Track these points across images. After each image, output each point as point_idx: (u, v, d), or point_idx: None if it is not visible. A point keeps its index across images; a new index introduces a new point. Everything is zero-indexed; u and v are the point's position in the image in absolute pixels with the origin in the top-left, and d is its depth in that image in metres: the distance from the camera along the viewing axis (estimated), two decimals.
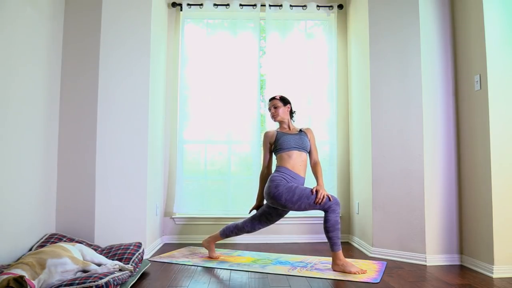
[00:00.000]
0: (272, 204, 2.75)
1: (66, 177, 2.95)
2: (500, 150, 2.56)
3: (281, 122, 3.01)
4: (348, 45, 3.95)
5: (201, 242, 3.65)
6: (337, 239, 2.57)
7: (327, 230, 2.57)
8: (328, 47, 3.98)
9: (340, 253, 2.59)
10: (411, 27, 3.03)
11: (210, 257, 3.01)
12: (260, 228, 2.92)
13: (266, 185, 2.80)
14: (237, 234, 2.96)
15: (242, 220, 2.97)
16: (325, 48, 3.99)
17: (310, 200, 2.60)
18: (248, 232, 2.93)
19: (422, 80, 2.97)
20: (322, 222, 2.64)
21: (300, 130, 2.97)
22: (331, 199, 2.59)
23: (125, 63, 3.06)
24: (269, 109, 3.03)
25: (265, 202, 2.95)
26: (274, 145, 2.92)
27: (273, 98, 3.03)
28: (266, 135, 2.98)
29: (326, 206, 2.58)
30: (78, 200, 2.94)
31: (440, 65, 2.99)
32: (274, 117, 3.00)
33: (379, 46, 3.19)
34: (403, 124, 3.03)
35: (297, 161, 2.81)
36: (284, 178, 2.74)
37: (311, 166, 2.92)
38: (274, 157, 2.99)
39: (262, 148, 3.04)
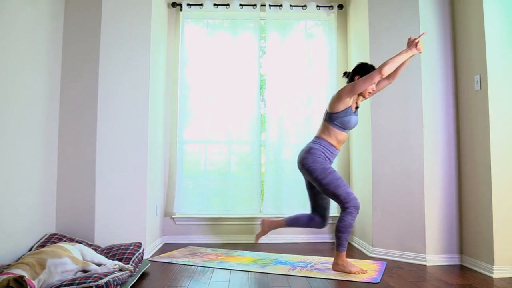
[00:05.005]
0: (302, 172, 2.65)
1: (66, 177, 2.95)
2: (500, 150, 2.55)
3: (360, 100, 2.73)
4: (348, 45, 3.95)
5: (201, 242, 3.67)
6: (345, 240, 2.54)
7: (339, 230, 2.53)
8: (328, 47, 3.97)
9: (344, 254, 2.58)
10: (411, 27, 3.02)
11: (259, 235, 2.91)
12: (318, 218, 2.75)
13: (303, 154, 2.63)
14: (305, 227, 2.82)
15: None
16: (325, 48, 3.99)
17: (335, 190, 2.52)
18: (313, 226, 2.77)
19: (422, 80, 2.97)
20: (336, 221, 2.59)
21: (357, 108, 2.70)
22: (350, 201, 2.52)
23: (125, 63, 3.06)
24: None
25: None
26: (339, 115, 2.59)
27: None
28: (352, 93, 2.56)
29: (346, 204, 2.52)
30: (78, 200, 2.94)
31: (440, 65, 2.99)
32: (370, 94, 2.65)
33: (379, 46, 3.19)
34: (403, 124, 3.03)
35: (342, 139, 2.67)
36: (323, 153, 2.59)
37: (384, 79, 2.64)
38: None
39: (346, 98, 2.55)
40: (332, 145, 2.62)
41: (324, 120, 2.67)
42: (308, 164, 2.58)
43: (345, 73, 2.78)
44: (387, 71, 2.44)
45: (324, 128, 2.65)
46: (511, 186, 2.54)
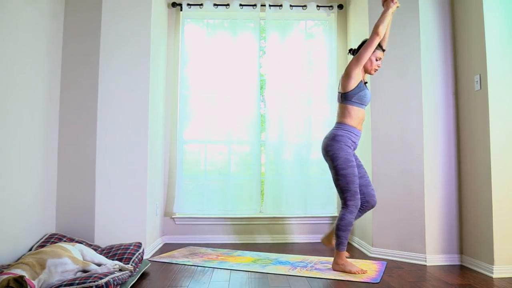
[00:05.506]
0: (325, 160, 2.64)
1: (66, 177, 2.95)
2: (500, 150, 2.55)
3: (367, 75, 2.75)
4: (348, 45, 3.94)
5: (201, 242, 3.67)
6: (345, 239, 2.55)
7: (339, 229, 2.54)
8: (328, 47, 3.97)
9: (343, 253, 2.58)
10: (411, 27, 3.02)
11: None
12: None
13: (327, 142, 2.61)
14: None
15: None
16: (325, 48, 3.99)
17: (347, 185, 2.54)
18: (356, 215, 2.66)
19: (422, 80, 2.97)
20: (336, 220, 2.58)
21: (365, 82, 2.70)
22: (350, 200, 2.54)
23: (125, 63, 3.06)
24: (376, 59, 2.64)
25: None
26: (353, 92, 2.58)
27: (384, 50, 2.69)
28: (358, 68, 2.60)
29: (349, 202, 2.53)
30: (78, 200, 2.94)
31: (440, 65, 2.99)
32: (375, 70, 2.68)
33: None
34: (403, 124, 3.03)
35: (362, 117, 2.65)
36: (349, 138, 2.58)
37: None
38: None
39: (355, 70, 2.58)
40: (354, 127, 2.60)
41: (341, 103, 2.65)
42: (333, 151, 2.57)
43: (350, 50, 2.79)
44: (381, 30, 2.52)
45: (343, 110, 2.62)
46: (511, 186, 2.54)
